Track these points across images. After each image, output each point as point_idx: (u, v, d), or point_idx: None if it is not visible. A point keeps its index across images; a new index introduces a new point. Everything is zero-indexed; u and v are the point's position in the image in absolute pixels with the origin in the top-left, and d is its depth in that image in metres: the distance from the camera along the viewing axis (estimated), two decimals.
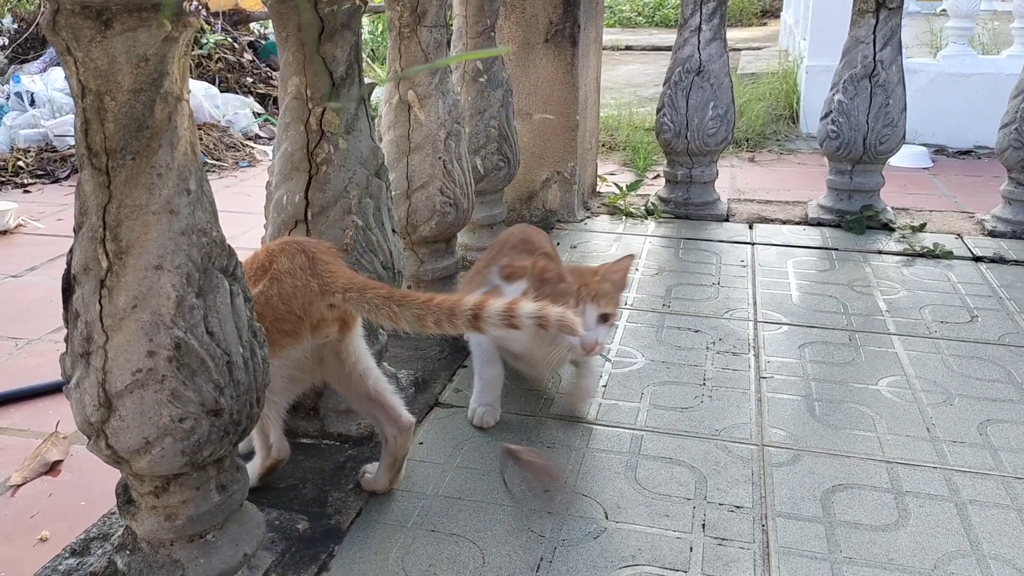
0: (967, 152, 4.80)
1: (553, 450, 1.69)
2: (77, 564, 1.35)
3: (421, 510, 1.50)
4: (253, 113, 5.56)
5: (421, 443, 1.71)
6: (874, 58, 2.89)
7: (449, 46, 2.40)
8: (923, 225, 3.04)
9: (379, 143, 1.99)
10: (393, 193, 2.01)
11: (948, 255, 2.76)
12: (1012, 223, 2.97)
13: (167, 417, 1.08)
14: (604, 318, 1.64)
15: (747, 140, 5.17)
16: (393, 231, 1.68)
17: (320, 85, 1.54)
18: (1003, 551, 1.40)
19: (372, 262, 1.61)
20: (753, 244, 2.93)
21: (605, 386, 1.95)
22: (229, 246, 1.16)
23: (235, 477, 1.27)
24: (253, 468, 1.50)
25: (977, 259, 2.76)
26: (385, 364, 1.87)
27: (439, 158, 2.03)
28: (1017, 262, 2.73)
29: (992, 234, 2.98)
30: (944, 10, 5.50)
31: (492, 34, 2.45)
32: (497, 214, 2.67)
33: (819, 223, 3.12)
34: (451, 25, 2.63)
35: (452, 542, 1.42)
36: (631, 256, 1.74)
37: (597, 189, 3.53)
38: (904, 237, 2.95)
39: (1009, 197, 3.02)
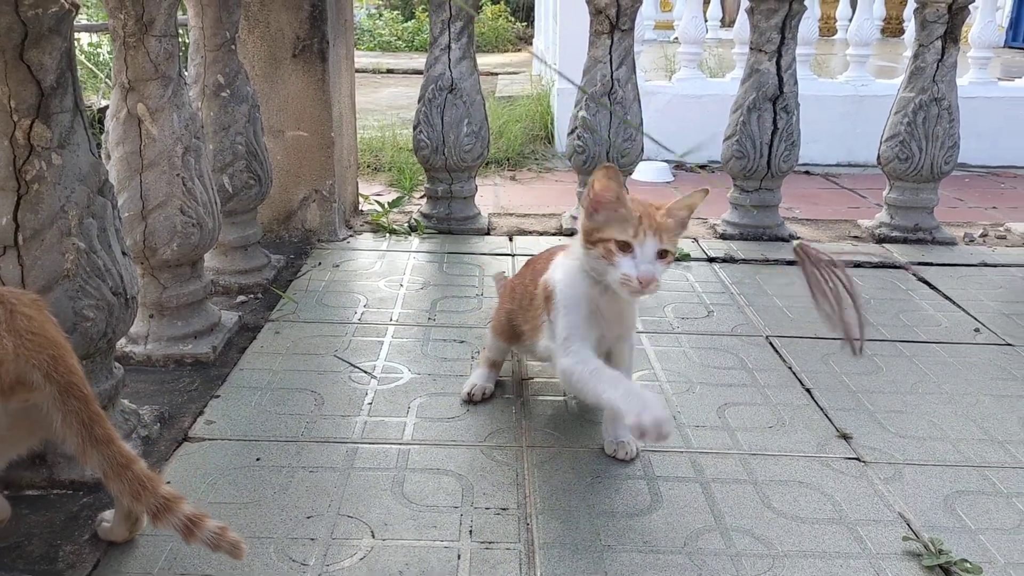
0: (703, 166, 5.26)
1: (316, 474, 1.62)
2: None
3: (169, 553, 1.38)
4: None
5: (168, 482, 1.57)
6: (611, 76, 3.08)
7: (185, 59, 2.27)
8: None
9: (106, 160, 1.84)
10: (127, 214, 1.86)
11: (686, 257, 2.99)
12: (739, 226, 3.27)
13: None
14: (663, 255, 1.53)
15: (508, 159, 5.35)
16: (124, 253, 1.54)
17: (26, 95, 1.38)
18: (743, 523, 1.52)
19: (99, 288, 1.47)
20: (514, 256, 3.01)
21: (371, 403, 1.91)
22: None
23: None
24: None
25: (711, 260, 3.01)
26: (124, 401, 1.72)
27: (177, 175, 1.89)
28: (745, 261, 3.01)
29: (723, 237, 3.26)
30: (676, 38, 6.01)
31: (233, 47, 2.34)
32: (251, 235, 2.55)
33: (572, 232, 3.26)
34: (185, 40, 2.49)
35: None
36: (705, 191, 1.57)
37: (359, 207, 3.48)
38: None
39: (735, 203, 3.32)
